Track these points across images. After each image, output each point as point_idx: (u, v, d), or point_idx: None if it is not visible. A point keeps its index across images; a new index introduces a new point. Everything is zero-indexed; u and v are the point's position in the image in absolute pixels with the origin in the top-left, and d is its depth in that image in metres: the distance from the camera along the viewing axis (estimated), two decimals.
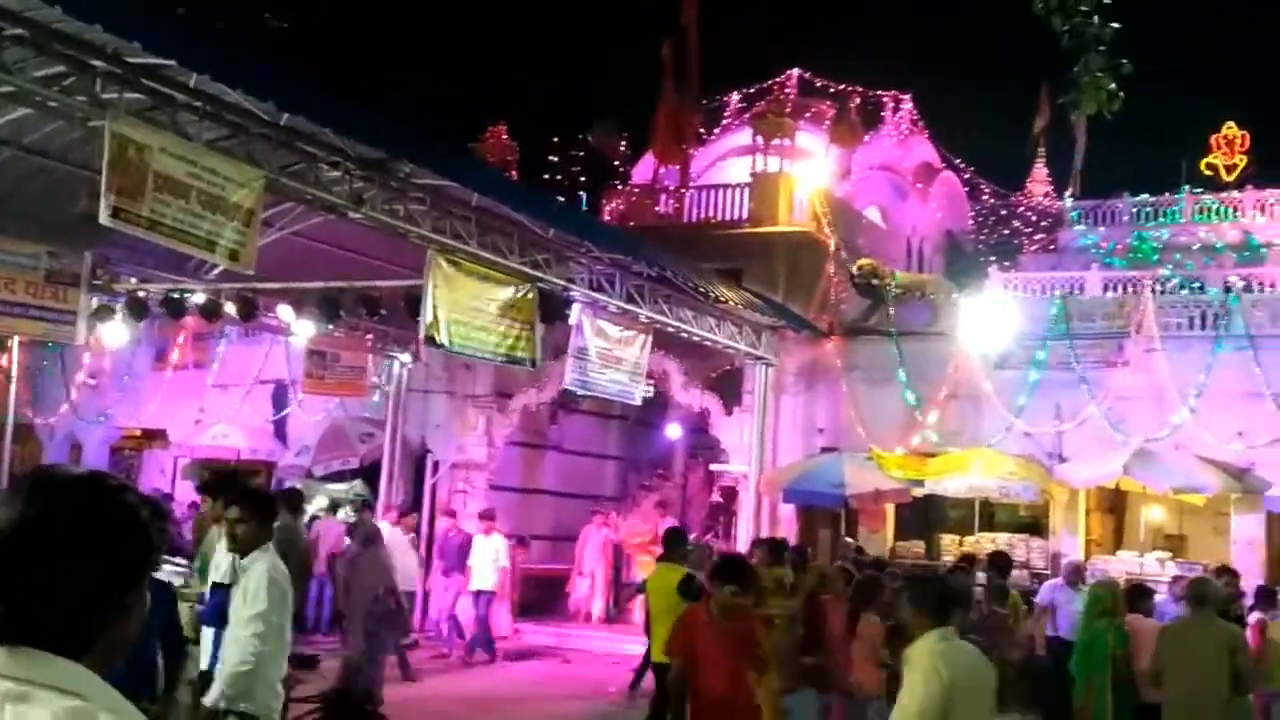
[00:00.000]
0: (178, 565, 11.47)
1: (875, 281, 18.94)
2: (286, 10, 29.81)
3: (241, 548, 5.95)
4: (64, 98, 9.25)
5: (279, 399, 22.33)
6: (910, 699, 4.85)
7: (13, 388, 20.10)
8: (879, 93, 25.95)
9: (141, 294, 16.27)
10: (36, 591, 1.71)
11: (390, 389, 19.88)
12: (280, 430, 22.29)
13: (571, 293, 14.51)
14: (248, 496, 6.34)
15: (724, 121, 25.40)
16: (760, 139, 20.99)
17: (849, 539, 17.03)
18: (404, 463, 19.97)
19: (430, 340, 12.72)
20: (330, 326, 16.80)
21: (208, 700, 5.78)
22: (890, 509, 18.45)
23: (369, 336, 18.99)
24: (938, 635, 4.99)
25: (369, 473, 20.36)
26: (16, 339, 18.72)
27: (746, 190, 20.60)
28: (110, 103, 9.22)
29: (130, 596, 1.79)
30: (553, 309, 14.43)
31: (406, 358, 19.52)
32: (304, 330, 17.35)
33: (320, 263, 15.72)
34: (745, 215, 20.39)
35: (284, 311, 16.39)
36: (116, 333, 17.10)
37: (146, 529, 1.81)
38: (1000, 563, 12.86)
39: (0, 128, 12.47)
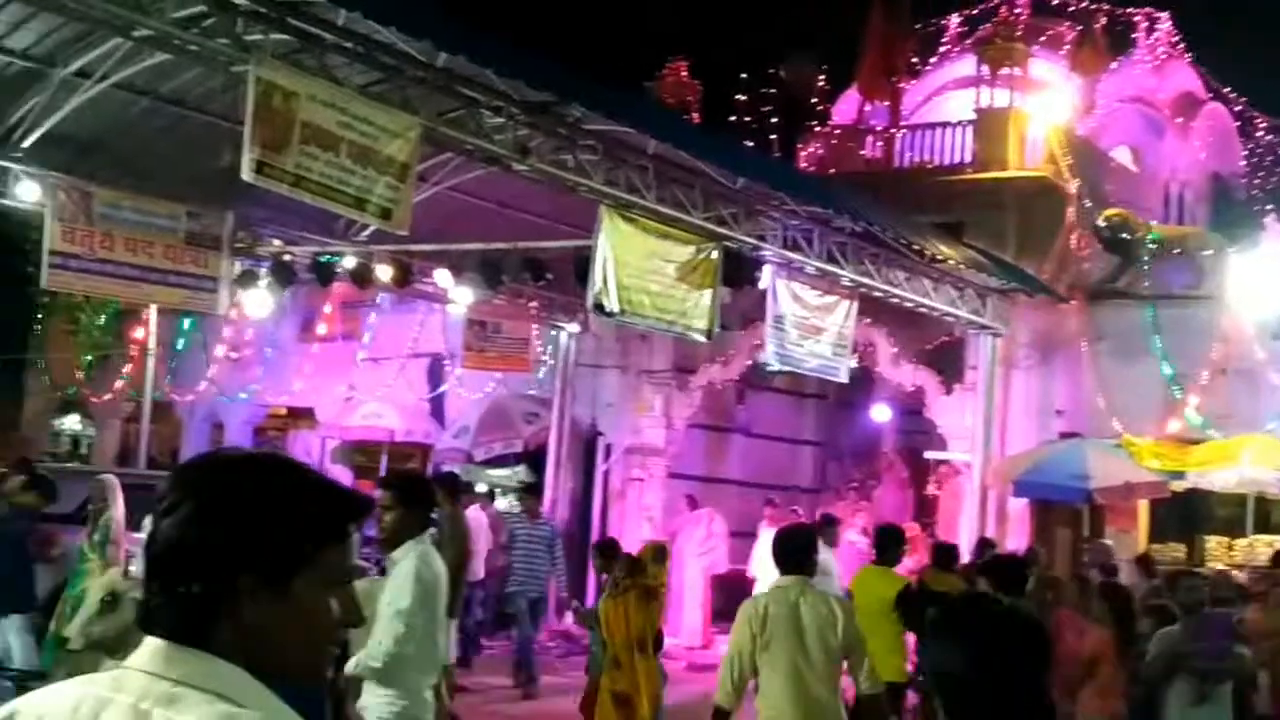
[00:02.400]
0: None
1: (1125, 235, 18.27)
2: None
3: (389, 538, 6.04)
4: (204, 40, 9.64)
5: (435, 375, 22.90)
6: None
7: (150, 362, 21.21)
8: (1129, 10, 24.96)
9: (287, 258, 16.89)
10: (204, 585, 1.77)
11: (557, 363, 20.19)
12: (437, 409, 22.87)
13: (763, 252, 14.44)
14: (397, 481, 6.44)
15: (942, 49, 24.83)
16: (986, 68, 20.45)
17: (1105, 541, 16.51)
18: (573, 446, 20.26)
19: (599, 308, 12.86)
20: (491, 293, 17.15)
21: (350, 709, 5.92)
22: (1143, 506, 17.85)
23: (533, 304, 19.31)
24: None
25: (534, 457, 20.74)
26: (154, 309, 19.74)
27: (969, 129, 20.15)
28: (254, 45, 9.58)
29: (297, 588, 1.83)
30: (740, 271, 14.40)
31: (574, 328, 19.79)
32: (463, 298, 17.76)
33: (481, 222, 16.06)
34: (968, 159, 19.95)
35: (441, 277, 16.80)
36: (260, 301, 17.80)
37: (317, 512, 1.86)
38: None
39: (136, 76, 13.10)
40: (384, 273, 16.45)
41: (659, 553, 10.92)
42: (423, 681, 6.12)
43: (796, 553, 6.86)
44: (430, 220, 14.02)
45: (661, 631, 10.04)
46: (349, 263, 16.73)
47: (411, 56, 10.51)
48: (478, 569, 15.46)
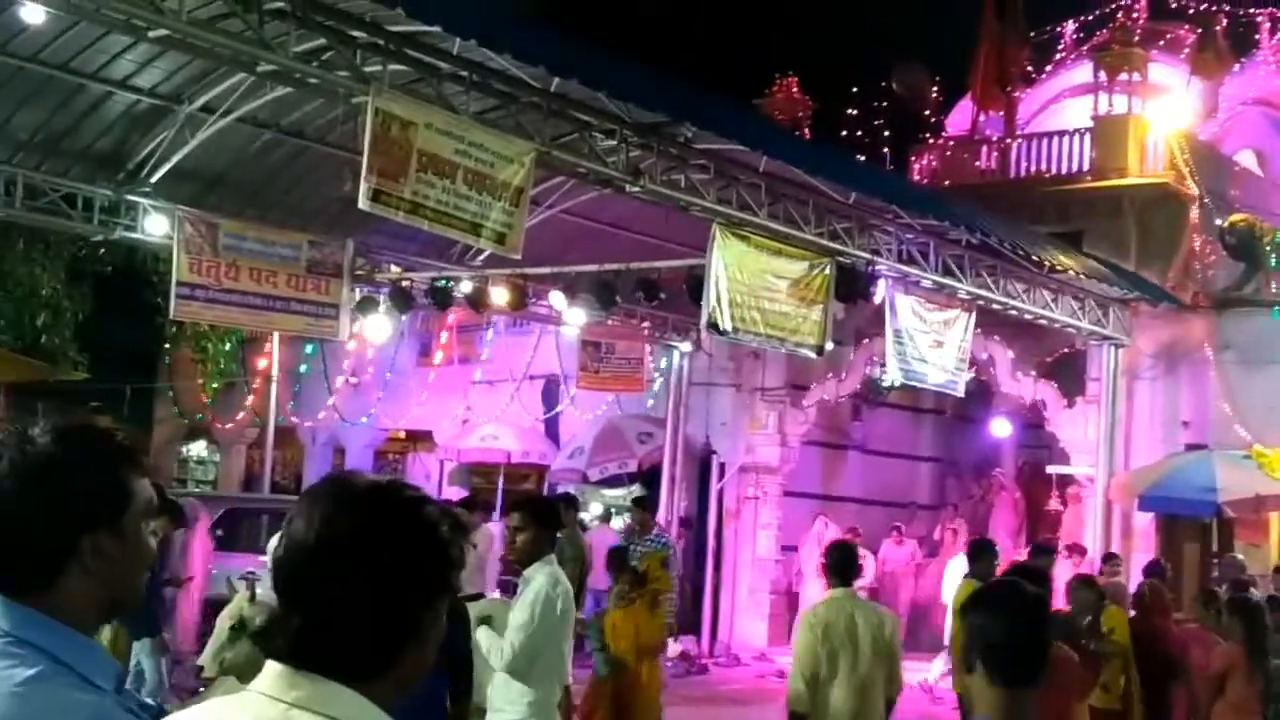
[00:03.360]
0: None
1: (1251, 240, 17.87)
2: None
3: (521, 558, 6.22)
4: (325, 73, 9.95)
5: (550, 396, 23.13)
6: None
7: (273, 389, 21.80)
8: (1251, 10, 24.39)
9: (405, 284, 17.25)
10: (328, 610, 1.79)
11: (670, 382, 20.30)
12: (552, 430, 23.09)
13: (878, 266, 14.40)
14: (529, 503, 6.62)
15: (1057, 56, 24.48)
16: (1103, 74, 20.14)
17: (1237, 555, 16.13)
18: (687, 465, 20.33)
19: (712, 326, 12.94)
20: (604, 314, 17.33)
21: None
22: (1274, 519, 17.39)
23: (646, 325, 19.45)
24: None
25: (648, 477, 20.85)
26: (277, 336, 20.28)
27: (1087, 136, 19.85)
28: (373, 76, 9.86)
29: (427, 619, 1.86)
30: (854, 286, 14.37)
31: (687, 347, 19.88)
32: (576, 319, 17.98)
33: (593, 243, 16.27)
34: (1086, 167, 19.66)
35: (555, 299, 17.02)
36: (379, 326, 18.20)
37: (447, 545, 1.88)
38: None
39: (258, 110, 13.54)
40: (499, 296, 16.71)
41: (663, 561, 11.22)
42: (546, 697, 6.27)
43: (846, 566, 7.47)
44: (544, 243, 14.24)
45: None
46: (465, 287, 17.01)
47: (525, 82, 10.73)
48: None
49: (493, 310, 18.10)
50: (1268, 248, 17.91)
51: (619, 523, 21.86)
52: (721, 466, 20.51)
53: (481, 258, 16.29)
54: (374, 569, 1.80)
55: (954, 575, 15.42)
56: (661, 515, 19.84)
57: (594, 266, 16.21)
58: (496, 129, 10.69)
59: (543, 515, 6.55)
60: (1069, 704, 7.09)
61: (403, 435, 24.57)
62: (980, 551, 11.16)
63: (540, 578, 6.15)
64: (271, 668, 1.80)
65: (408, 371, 24.57)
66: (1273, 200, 21.80)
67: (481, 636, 6.22)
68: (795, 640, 7.44)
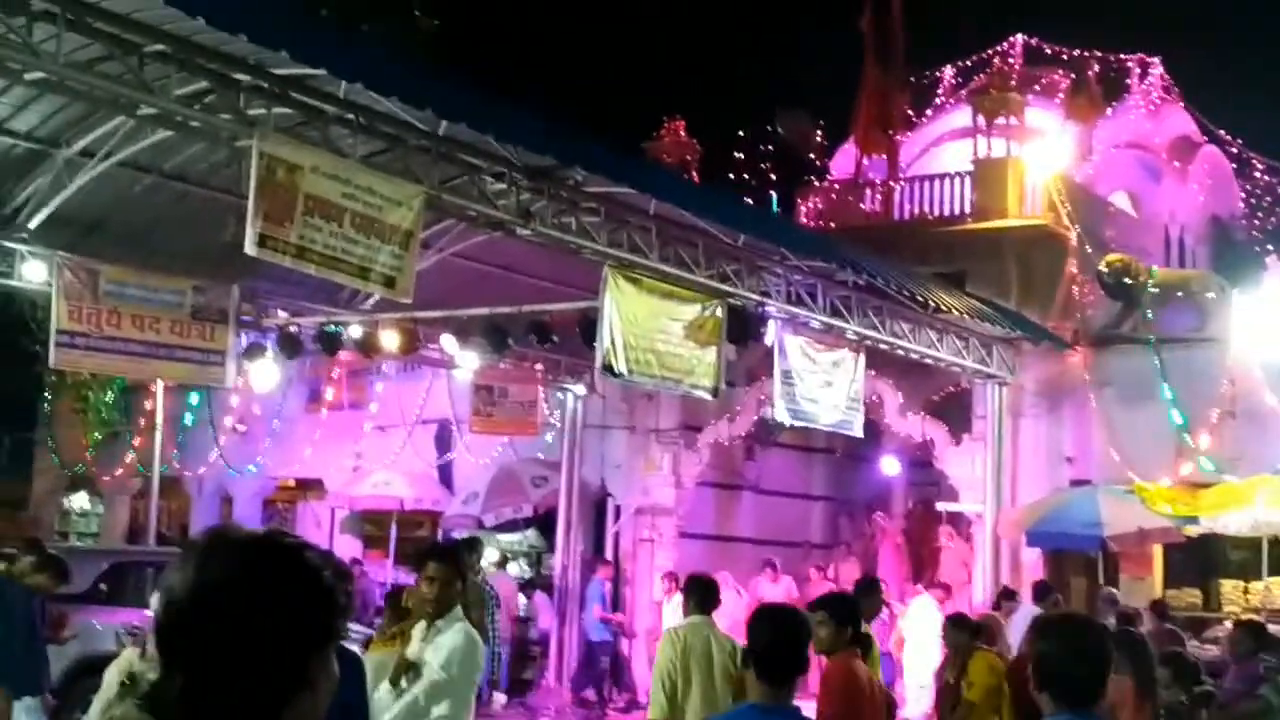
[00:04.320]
0: (359, 632, 11.86)
1: (1128, 280, 18.31)
2: (437, 7, 30.86)
3: (437, 610, 6.16)
4: (207, 116, 9.78)
5: (443, 441, 22.92)
6: None
7: (158, 438, 21.27)
8: (1121, 56, 25.17)
9: (293, 329, 16.98)
10: (213, 665, 1.75)
11: (564, 426, 20.22)
12: (445, 476, 22.87)
13: (767, 308, 14.51)
14: (446, 553, 6.56)
15: (937, 101, 25.06)
16: (982, 119, 20.61)
17: (1111, 589, 16.44)
18: (582, 509, 20.24)
19: (607, 369, 12.91)
20: (497, 357, 17.21)
21: None
22: (1158, 552, 17.76)
23: (539, 367, 19.37)
24: None
25: (544, 520, 20.71)
26: (161, 384, 19.81)
27: (967, 179, 20.27)
28: (257, 119, 9.70)
29: (315, 667, 1.83)
30: (745, 328, 14.46)
31: (581, 390, 19.83)
32: (469, 363, 17.83)
33: (485, 286, 16.16)
34: (967, 209, 20.07)
35: (447, 342, 16.87)
36: (267, 373, 17.88)
37: (332, 592, 1.85)
38: None
39: (140, 153, 13.25)
40: (389, 340, 16.53)
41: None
42: None
43: (705, 597, 8.37)
44: (435, 286, 14.12)
45: None
46: (354, 331, 16.82)
47: (413, 125, 10.64)
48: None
49: (383, 355, 17.91)
50: (1144, 287, 18.37)
51: (515, 568, 21.70)
52: (617, 509, 20.47)
53: (371, 302, 16.11)
54: (255, 620, 1.76)
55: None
56: (558, 559, 19.75)
57: (486, 310, 16.10)
58: (384, 172, 10.59)
59: (459, 565, 6.64)
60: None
61: (292, 483, 24.14)
62: (867, 590, 11.19)
63: (456, 628, 6.16)
64: None
65: (296, 418, 24.18)
66: (1147, 240, 22.46)
67: (384, 691, 6.09)
68: (657, 658, 8.16)
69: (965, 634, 10.00)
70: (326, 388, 23.71)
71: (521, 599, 20.01)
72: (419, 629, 6.31)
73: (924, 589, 17.90)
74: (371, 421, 23.44)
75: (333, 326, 16.89)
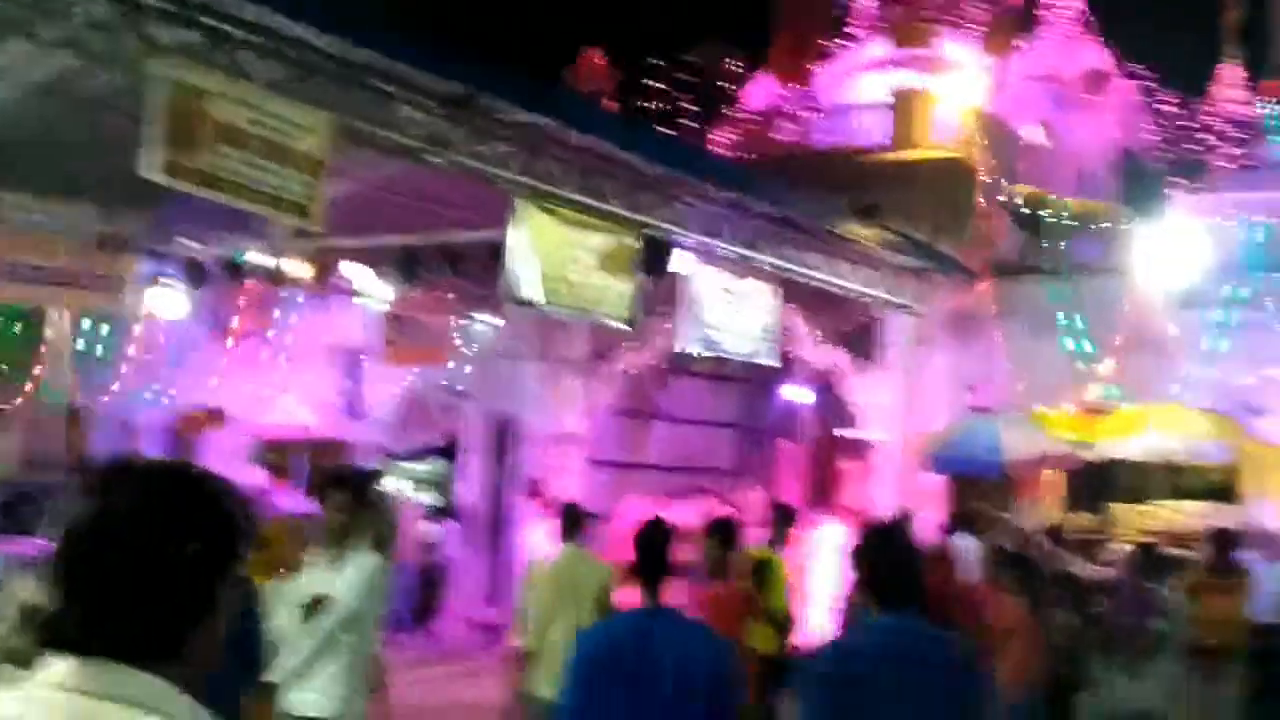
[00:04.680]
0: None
1: (1037, 211, 18.69)
2: None
3: (339, 536, 6.22)
4: (112, 41, 9.57)
5: (352, 369, 22.82)
6: None
7: (62, 367, 20.93)
8: None
9: (200, 258, 16.77)
10: (116, 594, 1.76)
11: (474, 355, 20.21)
12: (354, 405, 22.79)
13: (681, 239, 14.59)
14: (348, 481, 6.62)
15: (853, 31, 25.13)
16: (898, 50, 20.76)
17: (1003, 514, 16.96)
18: (490, 437, 20.31)
19: (519, 299, 12.93)
20: (408, 287, 17.15)
21: (276, 676, 6.02)
22: (1056, 477, 18.30)
23: (451, 297, 19.28)
24: None
25: (452, 450, 20.76)
26: (64, 312, 19.48)
27: (882, 111, 20.43)
28: (162, 44, 9.52)
29: (219, 593, 1.86)
30: (659, 258, 14.54)
31: (493, 319, 19.81)
32: (379, 292, 17.72)
33: (396, 216, 16.01)
34: (882, 140, 20.24)
35: (357, 272, 16.77)
36: (172, 302, 17.66)
37: (233, 518, 1.88)
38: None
39: (45, 78, 12.91)
40: (298, 269, 16.39)
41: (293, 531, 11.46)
42: (359, 670, 6.38)
43: (574, 524, 8.75)
44: (346, 216, 13.96)
45: None
46: (262, 260, 16.64)
47: (324, 51, 10.50)
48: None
49: (291, 284, 17.75)
50: (1052, 218, 18.75)
51: (423, 496, 21.78)
52: (527, 437, 20.55)
53: (280, 230, 15.92)
54: (158, 548, 1.78)
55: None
56: (464, 486, 19.84)
57: (396, 239, 16.00)
58: (294, 99, 10.46)
59: (363, 493, 6.70)
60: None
61: (198, 413, 23.87)
62: (783, 516, 11.72)
63: (361, 557, 6.21)
64: (58, 658, 1.76)
65: (202, 348, 23.88)
66: (1058, 172, 22.85)
67: (288, 620, 6.17)
68: (528, 586, 8.59)
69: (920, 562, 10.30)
70: (233, 317, 23.42)
71: (429, 527, 20.12)
72: (321, 557, 6.36)
73: (828, 514, 18.27)
74: (280, 351, 23.24)
75: (240, 255, 16.69)
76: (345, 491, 6.34)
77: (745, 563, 9.62)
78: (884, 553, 4.57)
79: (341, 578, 6.16)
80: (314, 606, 6.13)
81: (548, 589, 8.17)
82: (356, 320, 21.75)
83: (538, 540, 16.90)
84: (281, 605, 6.33)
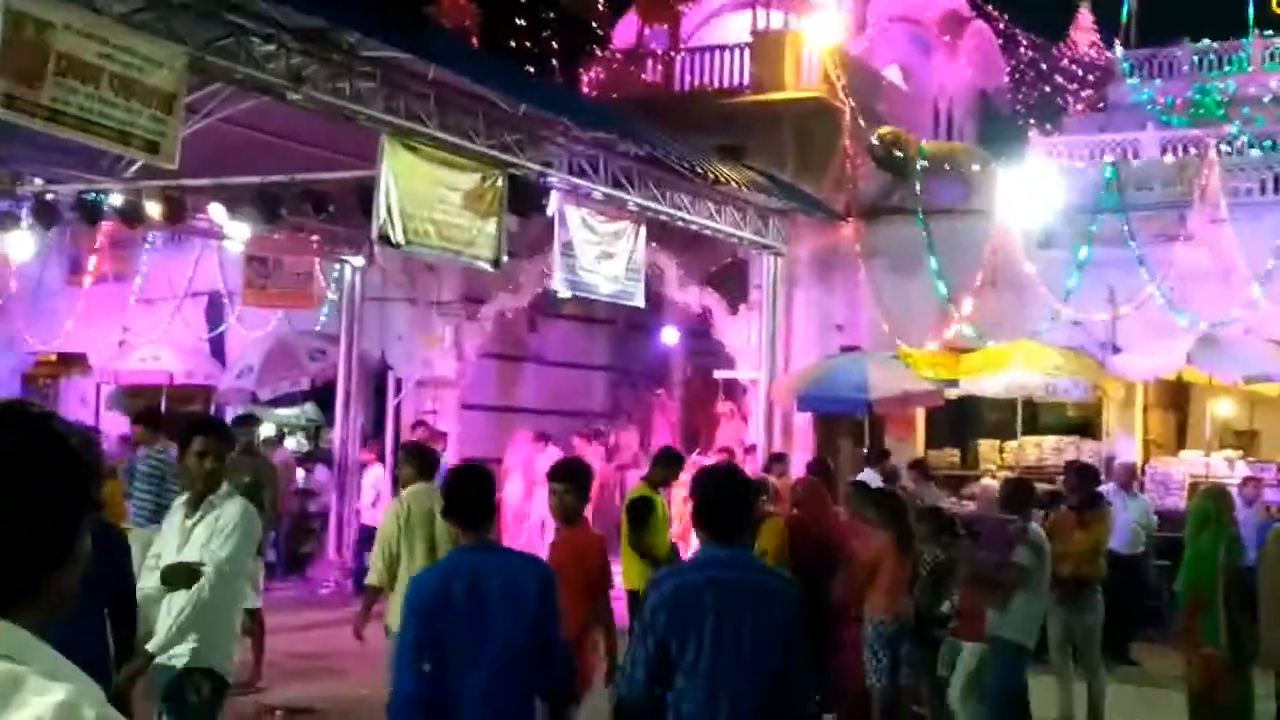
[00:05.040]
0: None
1: (898, 153, 18.87)
2: None
3: (210, 483, 6.06)
4: None
5: (214, 314, 22.34)
6: None
7: None
8: None
9: (50, 197, 16.17)
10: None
11: (342, 298, 19.88)
12: (217, 349, 22.34)
13: (549, 179, 14.46)
14: (210, 427, 6.42)
15: None
16: None
17: (877, 449, 17.24)
18: (361, 382, 20.04)
19: (384, 239, 12.70)
20: (270, 228, 16.74)
21: (151, 646, 5.88)
22: (920, 414, 18.64)
23: (315, 238, 18.91)
24: None
25: (321, 394, 20.45)
26: None
27: (747, 51, 20.45)
28: None
29: (72, 536, 1.80)
30: (527, 199, 14.40)
31: (360, 261, 19.45)
32: (240, 233, 17.30)
33: (256, 154, 15.57)
34: (746, 81, 20.27)
35: (216, 212, 16.32)
36: (23, 244, 17.07)
37: (81, 460, 1.82)
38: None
39: None
40: (154, 209, 15.88)
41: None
42: (233, 622, 6.31)
43: (432, 464, 8.91)
44: (203, 153, 13.54)
45: None
46: (116, 200, 16.11)
47: None
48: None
49: (148, 225, 17.23)
50: (913, 160, 18.96)
51: (293, 442, 21.42)
52: (398, 382, 20.32)
53: (134, 169, 15.38)
54: (7, 492, 1.73)
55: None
56: (336, 432, 19.57)
57: (257, 179, 15.57)
58: (145, 31, 10.06)
59: (228, 440, 6.62)
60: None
61: (54, 358, 23.17)
62: (666, 459, 11.74)
63: (234, 504, 6.07)
64: None
65: (56, 291, 23.17)
66: (917, 113, 23.13)
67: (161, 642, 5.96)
68: (381, 526, 8.56)
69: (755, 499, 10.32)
70: (89, 258, 22.73)
71: (300, 473, 19.80)
72: (179, 509, 6.17)
73: (703, 455, 18.39)
74: (137, 294, 22.65)
75: (93, 195, 16.13)
76: (207, 438, 6.15)
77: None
78: (713, 489, 4.92)
79: (206, 525, 5.99)
80: (181, 574, 5.93)
81: (396, 527, 8.26)
82: (217, 262, 21.27)
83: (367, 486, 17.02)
84: (144, 562, 6.15)
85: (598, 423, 21.78)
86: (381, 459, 18.10)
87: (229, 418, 18.65)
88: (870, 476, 13.60)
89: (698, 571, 4.86)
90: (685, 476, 11.09)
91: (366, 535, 15.41)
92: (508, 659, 4.91)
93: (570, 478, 7.21)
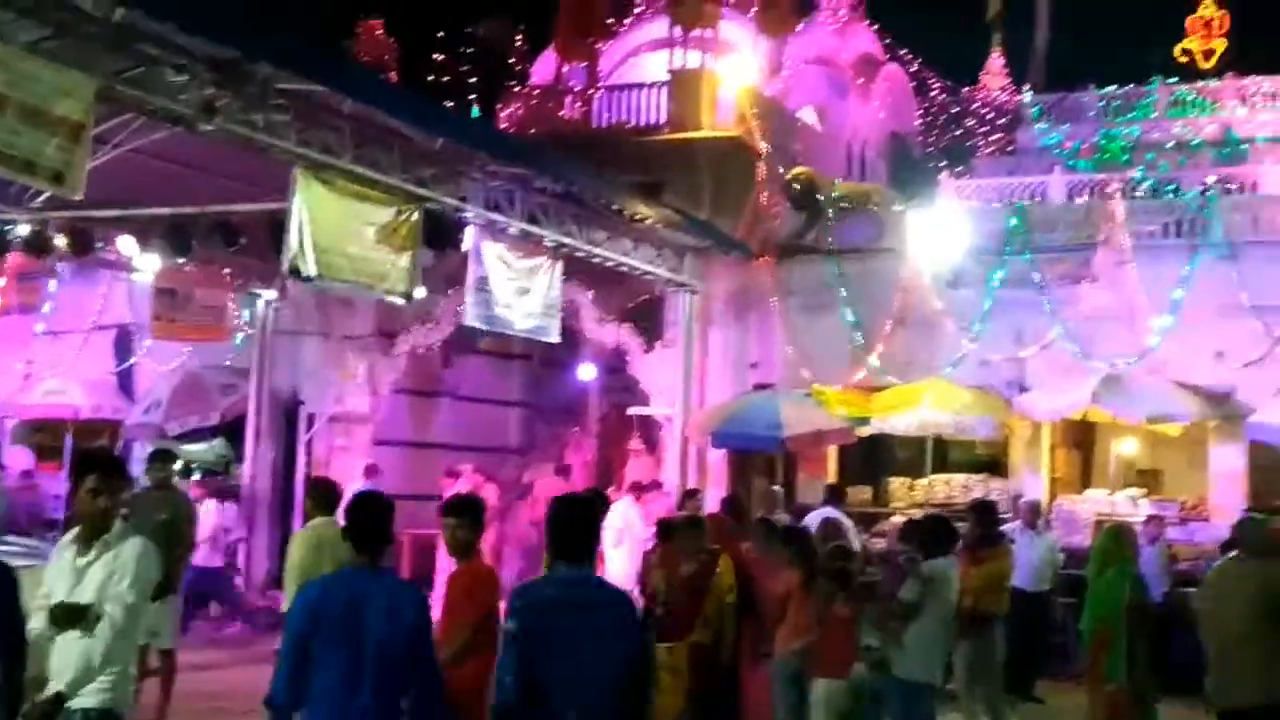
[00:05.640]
0: (13, 545, 11.31)
1: (811, 193, 19.06)
2: None
3: (103, 521, 5.92)
4: None
5: (122, 347, 21.96)
6: None
7: None
8: None
9: None
10: None
11: (254, 332, 19.62)
12: (125, 383, 21.96)
13: (464, 214, 14.41)
14: (103, 463, 6.27)
15: (636, 10, 25.19)
16: (678, 29, 20.90)
17: (774, 487, 17.32)
18: (273, 417, 19.78)
19: (295, 272, 12.57)
20: (181, 260, 16.50)
21: (65, 688, 5.73)
22: (833, 452, 18.74)
23: (227, 271, 18.68)
24: None
25: (232, 430, 20.14)
26: None
27: (664, 90, 20.57)
28: None
29: None
30: (442, 233, 14.34)
31: (272, 295, 19.25)
32: (149, 265, 17.06)
33: (167, 186, 15.36)
34: (663, 119, 20.38)
35: (125, 243, 16.09)
36: None
37: None
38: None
39: None
40: (61, 241, 15.61)
41: None
42: (130, 660, 6.17)
43: (327, 498, 9.01)
44: (113, 184, 13.34)
45: None
46: (22, 230, 15.80)
47: (83, 11, 9.97)
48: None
49: (55, 255, 16.93)
50: (826, 200, 19.16)
51: (201, 479, 21.02)
52: (310, 417, 20.06)
53: (41, 199, 15.09)
54: None
55: None
56: (246, 468, 19.27)
57: (168, 210, 15.36)
58: (53, 61, 9.89)
59: (125, 477, 6.46)
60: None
61: None
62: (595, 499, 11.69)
63: (133, 543, 5.96)
64: None
65: None
66: (831, 154, 23.39)
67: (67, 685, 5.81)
68: (290, 555, 8.72)
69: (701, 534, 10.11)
70: None
71: (213, 509, 19.39)
72: (70, 547, 6.00)
73: (621, 492, 18.31)
74: (44, 326, 22.23)
75: None
76: (101, 474, 6.00)
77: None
78: (563, 516, 5.35)
79: (108, 569, 5.83)
80: (74, 615, 5.76)
81: (304, 557, 8.40)
82: (126, 295, 20.92)
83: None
84: (31, 600, 5.97)
85: (511, 459, 21.65)
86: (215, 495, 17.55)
87: (135, 454, 18.43)
88: (831, 513, 13.73)
89: (549, 587, 5.39)
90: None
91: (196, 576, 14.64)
92: (380, 671, 5.30)
93: (464, 512, 7.36)
